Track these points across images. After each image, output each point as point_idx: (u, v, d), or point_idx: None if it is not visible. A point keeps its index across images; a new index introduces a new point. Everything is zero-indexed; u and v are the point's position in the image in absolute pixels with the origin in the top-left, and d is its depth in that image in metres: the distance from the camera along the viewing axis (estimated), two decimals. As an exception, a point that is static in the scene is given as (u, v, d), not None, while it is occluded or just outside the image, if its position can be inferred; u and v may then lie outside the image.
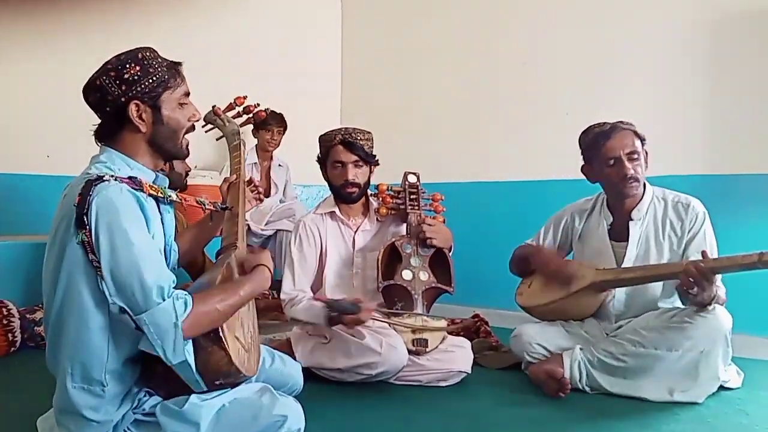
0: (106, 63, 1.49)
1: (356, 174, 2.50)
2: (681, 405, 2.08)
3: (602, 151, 2.31)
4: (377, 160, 2.58)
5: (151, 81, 1.48)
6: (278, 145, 4.08)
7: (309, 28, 4.78)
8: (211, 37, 4.20)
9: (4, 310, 2.73)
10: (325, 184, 2.64)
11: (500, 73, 4.00)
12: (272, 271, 1.65)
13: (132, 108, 1.48)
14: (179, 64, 1.57)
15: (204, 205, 1.75)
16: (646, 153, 2.34)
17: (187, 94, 1.57)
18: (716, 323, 2.09)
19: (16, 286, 2.97)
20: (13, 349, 2.73)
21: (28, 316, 2.81)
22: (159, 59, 1.52)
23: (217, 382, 1.47)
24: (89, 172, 1.47)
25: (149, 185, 1.51)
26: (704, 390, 2.12)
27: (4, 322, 2.71)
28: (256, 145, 4.09)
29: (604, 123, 2.36)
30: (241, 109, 2.01)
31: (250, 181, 2.04)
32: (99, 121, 1.54)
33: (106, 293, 1.37)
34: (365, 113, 4.55)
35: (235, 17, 4.39)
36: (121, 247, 1.36)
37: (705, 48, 3.23)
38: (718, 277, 2.09)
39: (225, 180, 1.91)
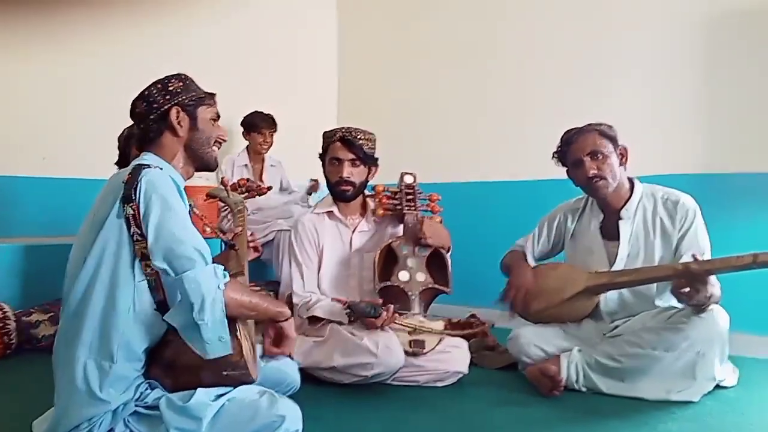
0: (153, 81, 1.72)
1: (351, 173, 2.50)
2: (677, 404, 2.08)
3: (568, 156, 2.36)
4: (377, 162, 2.58)
5: (190, 94, 1.71)
6: (270, 146, 4.07)
7: (305, 27, 4.78)
8: (207, 37, 4.19)
9: (0, 312, 2.73)
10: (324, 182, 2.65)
11: (496, 72, 4.01)
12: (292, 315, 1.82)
13: (173, 112, 1.68)
14: (214, 94, 1.80)
15: (218, 233, 2.06)
16: (625, 150, 2.35)
17: (218, 116, 1.78)
18: (713, 324, 2.09)
19: (12, 289, 2.96)
20: (8, 351, 2.72)
21: (24, 318, 2.80)
22: (196, 83, 1.77)
23: (225, 373, 1.54)
24: (135, 163, 1.63)
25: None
26: (700, 389, 2.12)
27: (0, 324, 2.70)
28: (247, 147, 4.07)
29: (573, 128, 2.38)
30: (243, 189, 2.36)
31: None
32: (121, 128, 1.80)
33: (137, 270, 1.49)
34: (362, 113, 4.55)
35: (232, 16, 4.38)
36: (168, 215, 1.50)
37: (700, 46, 3.24)
38: (713, 277, 2.09)
39: (231, 231, 2.12)
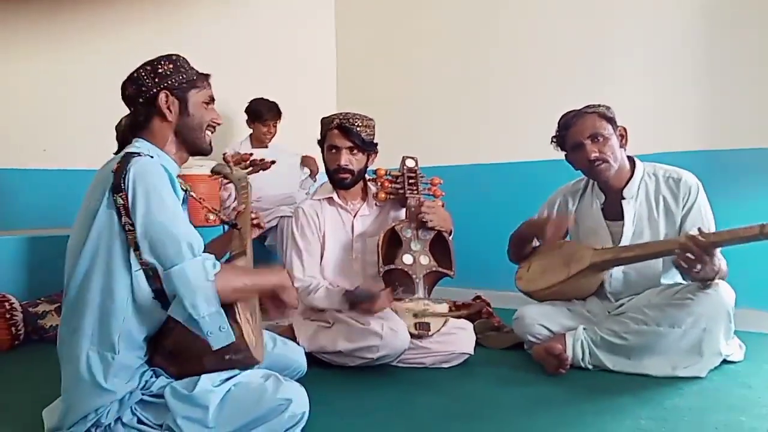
0: (144, 62, 1.67)
1: (349, 160, 2.49)
2: (684, 379, 2.09)
3: (567, 140, 2.34)
4: (376, 148, 2.56)
5: (181, 77, 1.66)
6: (274, 136, 4.06)
7: (303, 12, 4.75)
8: (207, 25, 4.18)
9: (6, 304, 2.74)
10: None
11: (495, 55, 3.97)
12: (291, 278, 1.81)
13: (162, 97, 1.63)
14: (208, 75, 1.74)
15: (217, 214, 1.97)
16: (624, 130, 2.33)
17: (212, 99, 1.73)
18: (719, 299, 2.09)
19: (18, 281, 2.98)
20: (17, 342, 2.74)
21: (30, 309, 2.81)
22: (189, 65, 1.71)
23: (227, 357, 1.52)
24: (126, 151, 1.58)
25: (177, 176, 1.63)
26: (707, 365, 2.13)
27: (7, 316, 2.71)
28: (251, 135, 4.06)
29: (571, 111, 2.36)
30: (247, 164, 2.27)
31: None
32: (119, 116, 1.71)
33: (132, 259, 1.46)
34: (362, 98, 4.53)
35: (231, 5, 4.36)
36: (156, 206, 1.47)
37: (700, 23, 3.21)
38: (718, 250, 2.08)
39: (234, 209, 2.06)
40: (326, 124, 2.53)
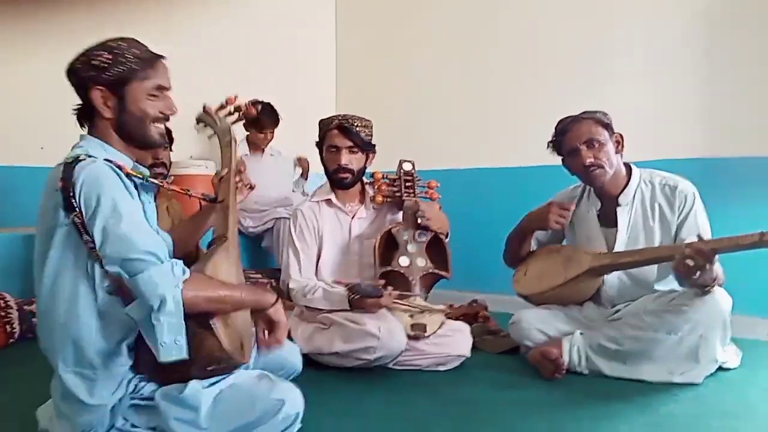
0: (81, 52, 1.52)
1: (350, 160, 2.49)
2: (679, 386, 2.09)
3: (564, 145, 2.35)
4: (374, 149, 2.57)
5: (118, 70, 1.49)
6: (270, 141, 4.05)
7: (303, 13, 4.75)
8: (207, 27, 4.19)
9: (1, 302, 2.74)
10: (322, 170, 2.64)
11: (495, 58, 3.98)
12: (277, 300, 1.67)
13: (96, 93, 1.50)
14: (159, 57, 1.57)
15: (189, 194, 1.76)
16: (621, 137, 2.33)
17: (162, 87, 1.56)
18: (715, 306, 2.08)
19: (13, 278, 2.96)
20: (11, 340, 2.73)
21: (25, 307, 2.80)
22: (135, 50, 1.52)
23: (210, 368, 1.48)
24: (66, 157, 1.47)
25: (127, 168, 1.50)
26: (703, 371, 2.13)
27: (2, 314, 2.71)
28: (247, 137, 4.04)
29: (567, 117, 2.36)
30: (232, 108, 2.02)
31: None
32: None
33: (96, 274, 1.40)
34: (360, 100, 4.52)
35: (231, 6, 4.37)
36: (113, 218, 1.37)
37: (699, 30, 3.22)
38: (717, 257, 2.08)
39: (216, 174, 1.88)
40: (325, 125, 2.53)
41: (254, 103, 3.91)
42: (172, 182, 3.49)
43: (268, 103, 3.95)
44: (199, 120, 2.00)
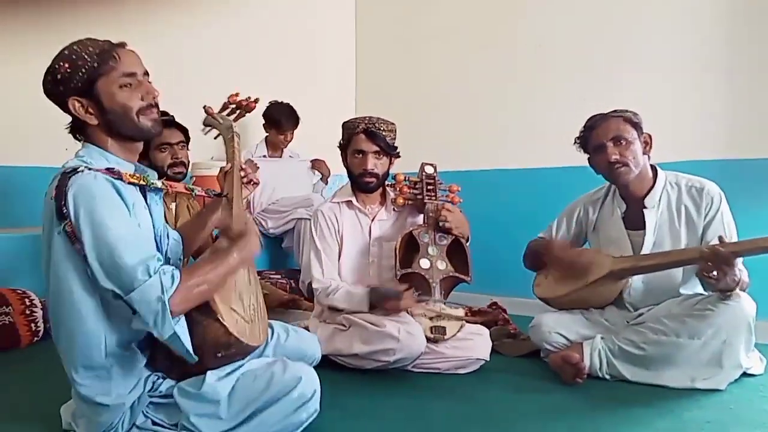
0: (45, 70, 1.50)
1: (375, 164, 2.50)
2: (703, 392, 2.06)
3: (590, 141, 2.33)
4: (398, 152, 2.58)
5: (80, 74, 1.46)
6: (290, 142, 4.07)
7: (323, 14, 4.77)
8: (224, 27, 4.20)
9: (27, 300, 2.77)
10: (343, 172, 2.64)
11: (515, 58, 3.96)
12: (259, 236, 1.64)
13: (74, 104, 1.49)
14: (118, 46, 1.52)
15: (193, 192, 1.77)
16: (649, 137, 2.31)
17: (131, 74, 1.51)
18: (740, 311, 2.06)
19: (37, 277, 2.96)
20: (36, 338, 2.77)
21: (50, 306, 2.84)
22: (90, 49, 1.49)
23: (219, 355, 1.49)
24: (66, 165, 1.48)
25: (129, 174, 1.51)
26: (727, 377, 2.10)
27: (27, 312, 2.74)
28: (266, 139, 4.07)
29: (597, 114, 2.35)
30: (234, 106, 2.05)
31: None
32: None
33: (95, 280, 1.40)
34: (380, 101, 4.52)
35: (250, 5, 4.39)
36: (101, 232, 1.37)
37: (724, 28, 3.18)
38: (740, 260, 2.06)
39: (221, 169, 1.88)
40: (351, 128, 2.53)
41: (273, 104, 3.95)
42: (193, 183, 3.52)
43: (288, 104, 3.97)
44: (205, 124, 2.02)
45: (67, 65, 1.46)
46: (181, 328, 1.39)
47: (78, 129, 1.56)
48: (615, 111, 2.32)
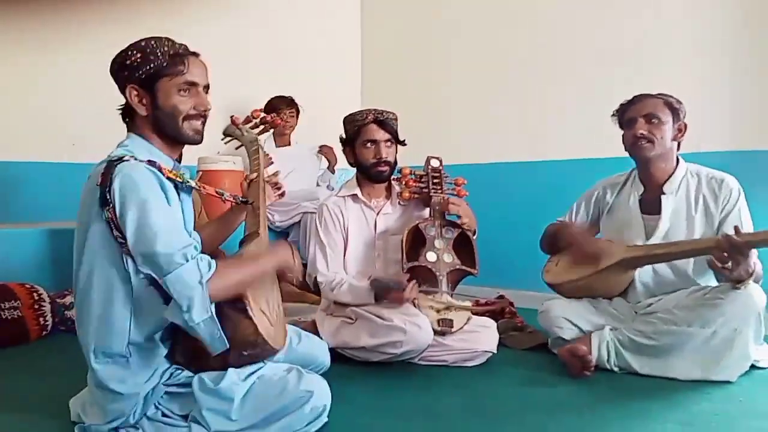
0: (119, 52, 1.58)
1: (388, 153, 2.51)
2: (712, 384, 2.05)
3: (625, 114, 2.34)
4: (405, 141, 2.59)
5: (149, 68, 1.54)
6: (294, 127, 4.07)
7: (328, 9, 4.76)
8: (231, 24, 4.22)
9: (35, 294, 2.79)
10: (347, 166, 2.64)
11: (520, 53, 3.94)
12: (293, 250, 1.70)
13: (131, 92, 1.56)
14: (190, 54, 1.61)
15: (223, 196, 1.80)
16: (684, 127, 2.30)
17: (193, 83, 1.59)
18: (749, 300, 2.05)
19: (46, 272, 3.03)
20: (44, 332, 2.79)
21: (58, 300, 2.86)
22: (165, 48, 1.56)
23: (246, 353, 1.52)
24: (112, 154, 1.54)
25: (168, 170, 1.55)
26: (736, 369, 2.08)
27: (36, 306, 2.76)
28: (273, 132, 4.08)
29: (642, 93, 2.35)
30: (257, 121, 2.14)
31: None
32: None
33: (130, 267, 1.45)
34: (386, 95, 4.52)
35: (258, 2, 4.39)
36: (143, 217, 1.42)
37: (733, 21, 3.15)
38: (755, 252, 2.04)
39: (246, 177, 1.96)
40: (358, 120, 2.52)
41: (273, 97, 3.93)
42: (199, 178, 3.53)
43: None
44: (226, 134, 2.09)
45: (139, 56, 1.54)
46: (213, 315, 1.42)
47: (128, 114, 1.63)
48: (660, 93, 2.32)
